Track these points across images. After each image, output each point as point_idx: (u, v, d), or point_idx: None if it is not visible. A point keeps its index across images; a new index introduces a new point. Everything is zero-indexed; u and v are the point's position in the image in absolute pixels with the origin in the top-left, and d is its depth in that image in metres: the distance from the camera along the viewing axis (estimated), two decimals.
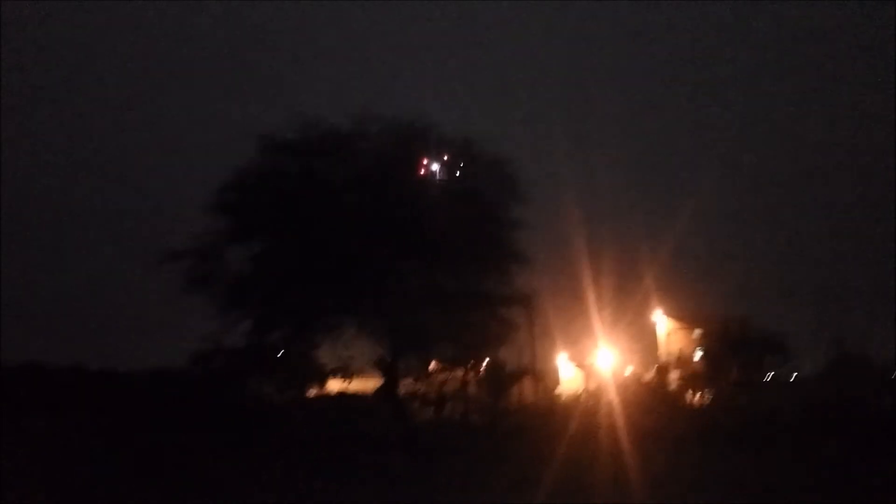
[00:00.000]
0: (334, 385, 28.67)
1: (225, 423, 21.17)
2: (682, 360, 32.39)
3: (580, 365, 38.00)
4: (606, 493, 11.89)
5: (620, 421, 21.26)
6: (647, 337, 39.20)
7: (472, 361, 28.59)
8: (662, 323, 38.95)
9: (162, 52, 62.93)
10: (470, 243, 19.10)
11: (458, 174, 19.51)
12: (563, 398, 36.51)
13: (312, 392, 28.79)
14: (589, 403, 30.60)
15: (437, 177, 19.34)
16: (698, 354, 33.82)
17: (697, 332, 36.58)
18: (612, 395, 27.09)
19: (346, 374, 27.42)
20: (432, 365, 26.13)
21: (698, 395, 30.95)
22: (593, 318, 29.81)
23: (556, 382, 40.91)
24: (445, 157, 19.35)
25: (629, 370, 35.87)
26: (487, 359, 31.18)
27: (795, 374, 34.41)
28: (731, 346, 30.91)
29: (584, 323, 31.24)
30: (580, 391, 35.66)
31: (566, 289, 29.54)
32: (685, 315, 38.82)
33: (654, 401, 26.84)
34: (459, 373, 28.91)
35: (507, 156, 19.70)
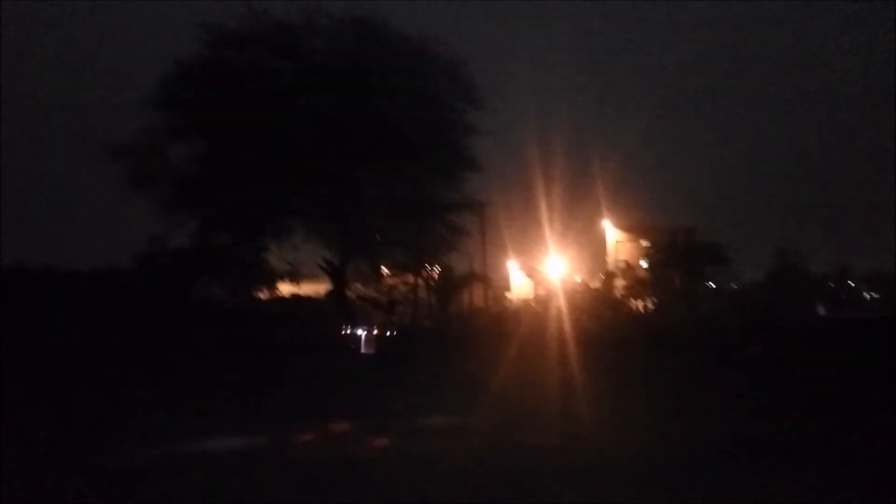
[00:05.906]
0: (286, 288, 28.51)
1: (171, 323, 20.94)
2: (629, 269, 33.17)
3: (530, 273, 38.52)
4: (553, 391, 12.25)
5: (568, 326, 21.79)
6: (595, 246, 39.90)
7: (423, 267, 28.68)
8: (611, 233, 39.58)
9: None
10: (422, 147, 18.65)
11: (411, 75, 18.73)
12: (513, 304, 37.18)
13: (264, 295, 28.61)
14: (538, 309, 31.27)
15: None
16: (644, 263, 34.67)
17: (644, 242, 37.37)
18: (561, 302, 27.65)
19: (295, 277, 27.22)
20: (383, 270, 26.10)
21: (642, 302, 31.88)
22: (544, 227, 30.00)
23: (506, 289, 41.62)
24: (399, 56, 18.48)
25: (578, 278, 36.60)
26: (438, 265, 31.34)
27: (735, 283, 35.78)
28: (675, 256, 31.68)
29: (535, 231, 31.50)
30: (530, 298, 36.38)
31: (518, 197, 29.57)
32: (633, 225, 39.51)
33: (600, 307, 27.53)
34: (410, 278, 29.01)
35: (463, 57, 18.98)
